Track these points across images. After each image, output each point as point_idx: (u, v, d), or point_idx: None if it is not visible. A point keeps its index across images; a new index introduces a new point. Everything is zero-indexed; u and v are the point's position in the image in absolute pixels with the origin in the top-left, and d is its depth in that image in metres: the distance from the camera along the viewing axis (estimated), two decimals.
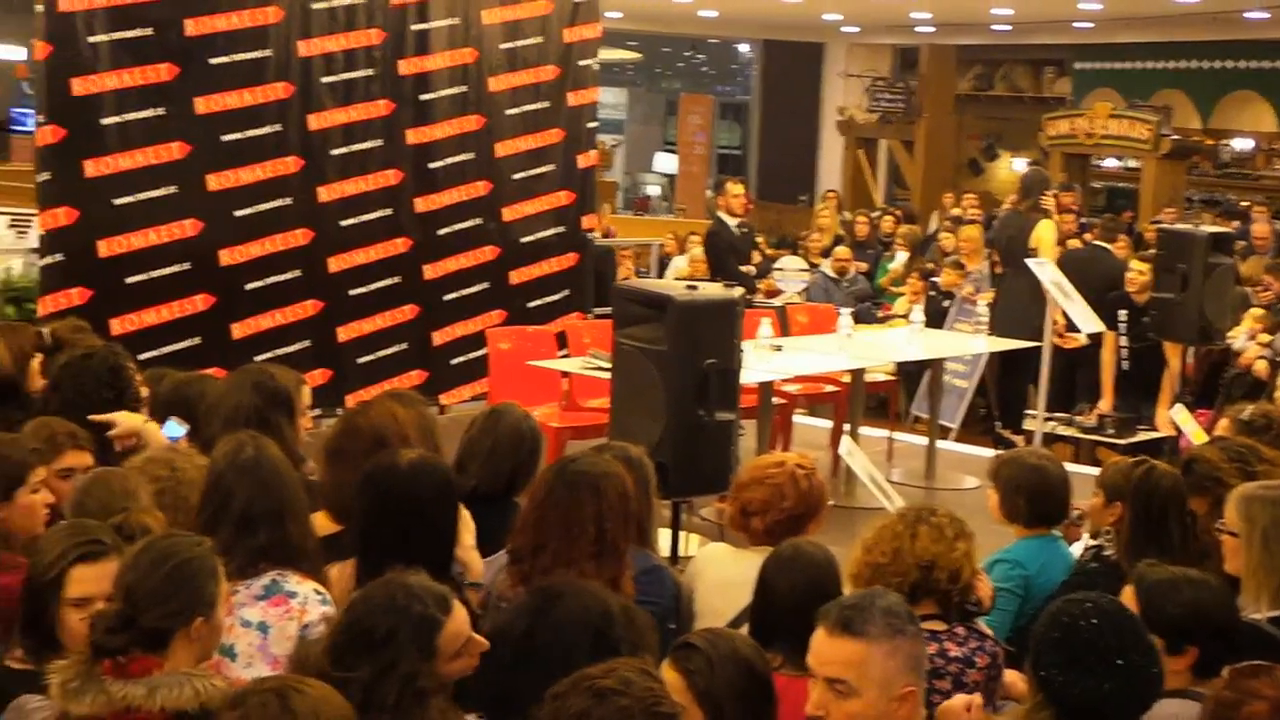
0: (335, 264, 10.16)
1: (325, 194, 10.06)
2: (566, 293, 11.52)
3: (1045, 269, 10.01)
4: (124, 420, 5.31)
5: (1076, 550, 5.59)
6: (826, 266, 14.49)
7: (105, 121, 9.00)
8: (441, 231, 10.75)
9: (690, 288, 6.66)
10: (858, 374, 9.83)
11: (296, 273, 9.95)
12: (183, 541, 3.60)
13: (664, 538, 6.41)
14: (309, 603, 4.23)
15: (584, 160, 11.69)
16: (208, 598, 3.53)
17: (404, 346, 10.60)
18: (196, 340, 9.44)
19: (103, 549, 3.83)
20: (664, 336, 6.38)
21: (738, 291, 6.91)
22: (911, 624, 3.39)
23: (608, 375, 7.15)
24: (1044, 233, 11.48)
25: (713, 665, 3.43)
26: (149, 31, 9.13)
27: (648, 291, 6.69)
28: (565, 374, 9.21)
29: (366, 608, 3.43)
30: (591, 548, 4.28)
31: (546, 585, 3.69)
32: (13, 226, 13.30)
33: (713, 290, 6.75)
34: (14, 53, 27.45)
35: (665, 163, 29.17)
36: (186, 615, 3.46)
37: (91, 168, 8.97)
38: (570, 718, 2.92)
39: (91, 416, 4.13)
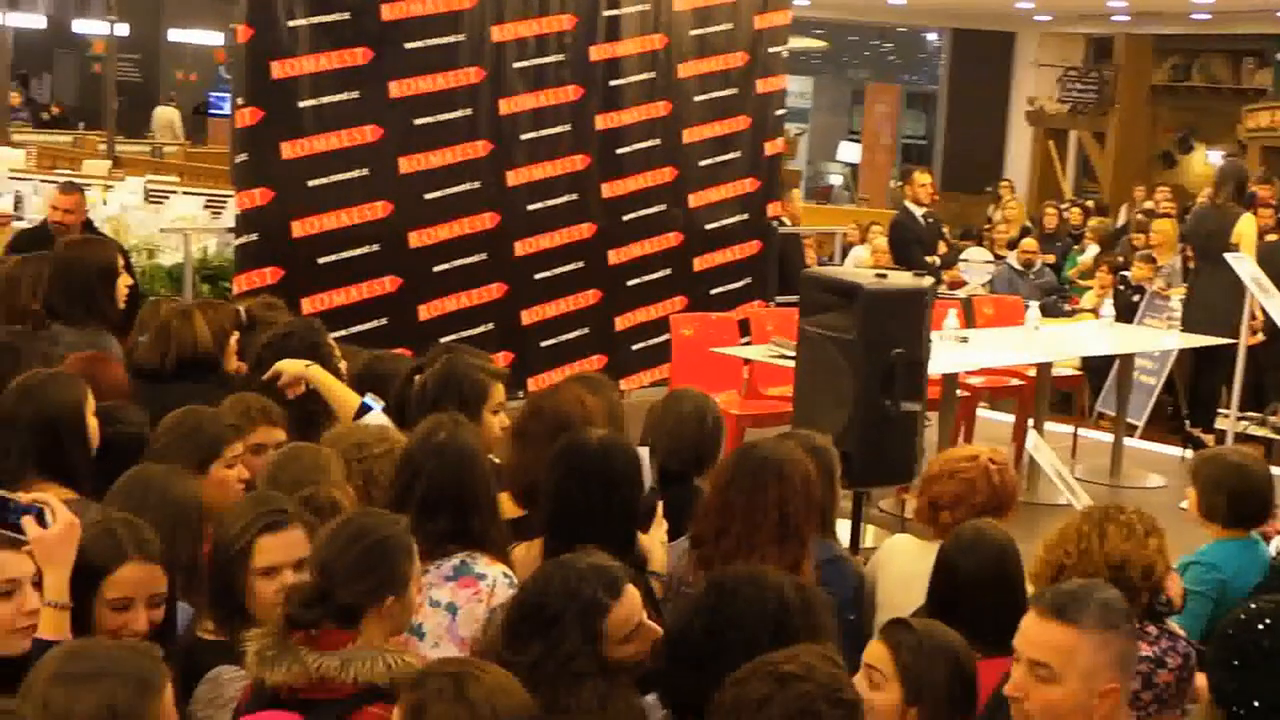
0: (521, 248, 10.26)
1: (513, 178, 10.15)
2: (749, 280, 11.49)
3: (1244, 264, 9.73)
4: (286, 367, 5.42)
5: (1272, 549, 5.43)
6: (1012, 258, 14.26)
7: (302, 104, 9.18)
8: (626, 217, 10.79)
9: (880, 276, 6.60)
10: (1044, 368, 9.65)
11: (483, 256, 10.06)
12: (379, 519, 3.64)
13: (842, 529, 6.35)
14: (497, 585, 4.26)
15: (770, 147, 11.64)
16: (400, 576, 3.57)
17: (585, 331, 10.66)
18: (383, 321, 9.59)
19: (286, 518, 3.90)
20: (852, 325, 6.33)
21: (928, 281, 6.82)
22: (1126, 622, 3.31)
23: (791, 363, 7.11)
24: (1246, 227, 11.15)
25: (921, 644, 3.40)
26: (346, 16, 9.29)
27: (836, 279, 6.63)
28: (747, 361, 9.18)
29: (537, 588, 3.46)
30: (774, 532, 4.25)
31: (720, 580, 3.66)
32: (207, 207, 13.66)
33: (903, 279, 6.68)
34: (213, 38, 28.21)
35: (849, 152, 28.97)
36: (379, 593, 3.50)
37: (288, 149, 9.16)
38: (751, 703, 2.91)
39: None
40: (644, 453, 4.55)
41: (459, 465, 4.31)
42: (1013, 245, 14.80)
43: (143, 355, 5.79)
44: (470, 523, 4.26)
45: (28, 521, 3.46)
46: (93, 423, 4.61)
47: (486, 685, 2.88)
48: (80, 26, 30.45)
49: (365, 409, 5.27)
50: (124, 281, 6.30)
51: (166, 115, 24.91)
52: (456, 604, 4.22)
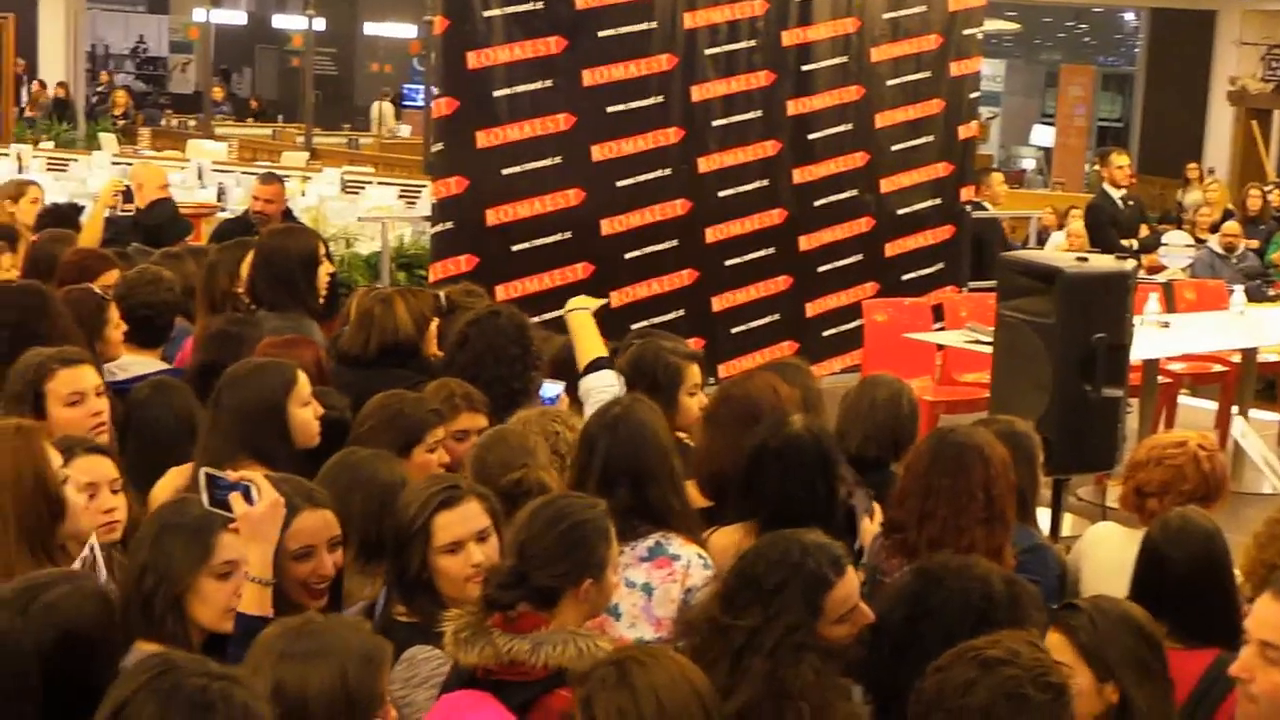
0: (712, 234, 10.25)
1: (705, 165, 10.15)
2: (941, 265, 11.35)
3: None
4: (581, 302, 5.57)
5: None
6: (1214, 242, 13.88)
7: (496, 94, 9.27)
8: (818, 203, 10.72)
9: (1080, 259, 6.47)
10: (1249, 353, 9.39)
11: (674, 242, 10.07)
12: (577, 503, 3.66)
13: (1041, 517, 6.24)
14: (692, 566, 4.27)
15: (964, 131, 11.49)
16: (598, 560, 3.59)
17: (776, 317, 10.62)
18: None
19: (460, 493, 3.93)
20: (1052, 309, 6.22)
21: (1130, 264, 6.67)
22: None
23: (988, 349, 7.01)
24: None
25: (1095, 623, 3.34)
26: (540, 5, 9.37)
27: (1036, 263, 6.53)
28: (941, 347, 9.08)
29: (760, 559, 3.45)
30: (981, 514, 4.20)
31: (926, 568, 3.63)
32: (402, 197, 13.92)
33: (1104, 262, 6.56)
34: (407, 31, 28.69)
35: (1042, 135, 28.46)
36: (576, 576, 3.52)
37: (482, 139, 9.27)
38: (956, 688, 2.87)
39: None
40: None
41: (634, 439, 4.32)
42: (1214, 229, 14.41)
43: (346, 342, 5.90)
44: (648, 495, 4.26)
45: (235, 498, 3.55)
46: (301, 413, 4.68)
47: (651, 672, 2.89)
48: (279, 22, 31.24)
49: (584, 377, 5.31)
50: (325, 269, 6.42)
51: (380, 109, 25.43)
52: (652, 584, 4.23)
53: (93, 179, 14.34)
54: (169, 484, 4.50)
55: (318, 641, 3.04)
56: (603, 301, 5.62)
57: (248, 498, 3.56)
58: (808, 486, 4.27)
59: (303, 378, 4.70)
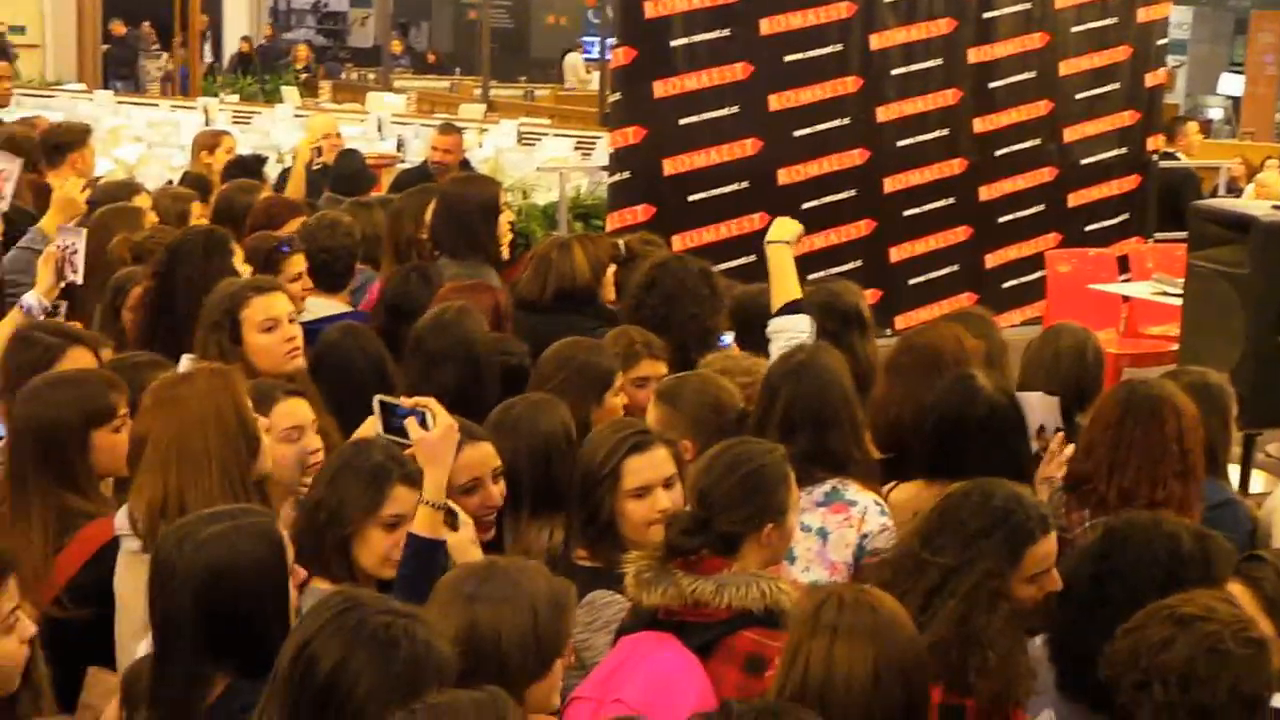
0: (890, 184, 10.13)
1: (883, 114, 10.02)
2: (1126, 216, 11.09)
3: None
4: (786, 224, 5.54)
5: None
6: None
7: (674, 43, 9.24)
8: (999, 152, 10.53)
9: (1276, 208, 6.28)
10: None
11: (851, 192, 9.97)
12: (756, 448, 3.66)
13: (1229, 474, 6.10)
14: (868, 512, 4.25)
15: (1152, 79, 11.20)
16: (778, 504, 3.58)
17: (955, 268, 10.47)
18: (751, 258, 9.59)
19: (649, 439, 3.95)
20: (1246, 259, 6.06)
21: None
22: None
23: (1175, 301, 6.85)
24: None
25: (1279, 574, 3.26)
26: None
27: (1229, 212, 6.36)
28: (1126, 298, 8.89)
29: (965, 502, 3.42)
30: (1177, 465, 4.12)
31: (1113, 526, 3.56)
32: (577, 148, 13.98)
33: None
34: None
35: (1230, 84, 27.65)
36: (758, 521, 3.52)
37: (660, 88, 9.24)
38: (1152, 647, 2.81)
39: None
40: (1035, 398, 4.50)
41: (817, 385, 4.31)
42: None
43: (523, 287, 5.95)
44: (828, 442, 4.25)
45: (410, 424, 3.62)
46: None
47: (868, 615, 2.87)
48: None
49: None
50: (506, 217, 6.47)
51: (573, 60, 25.57)
52: (827, 529, 4.22)
53: (275, 132, 14.63)
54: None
55: (508, 584, 3.08)
56: (801, 228, 5.58)
57: (423, 423, 3.63)
58: (1011, 455, 4.23)
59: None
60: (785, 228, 5.56)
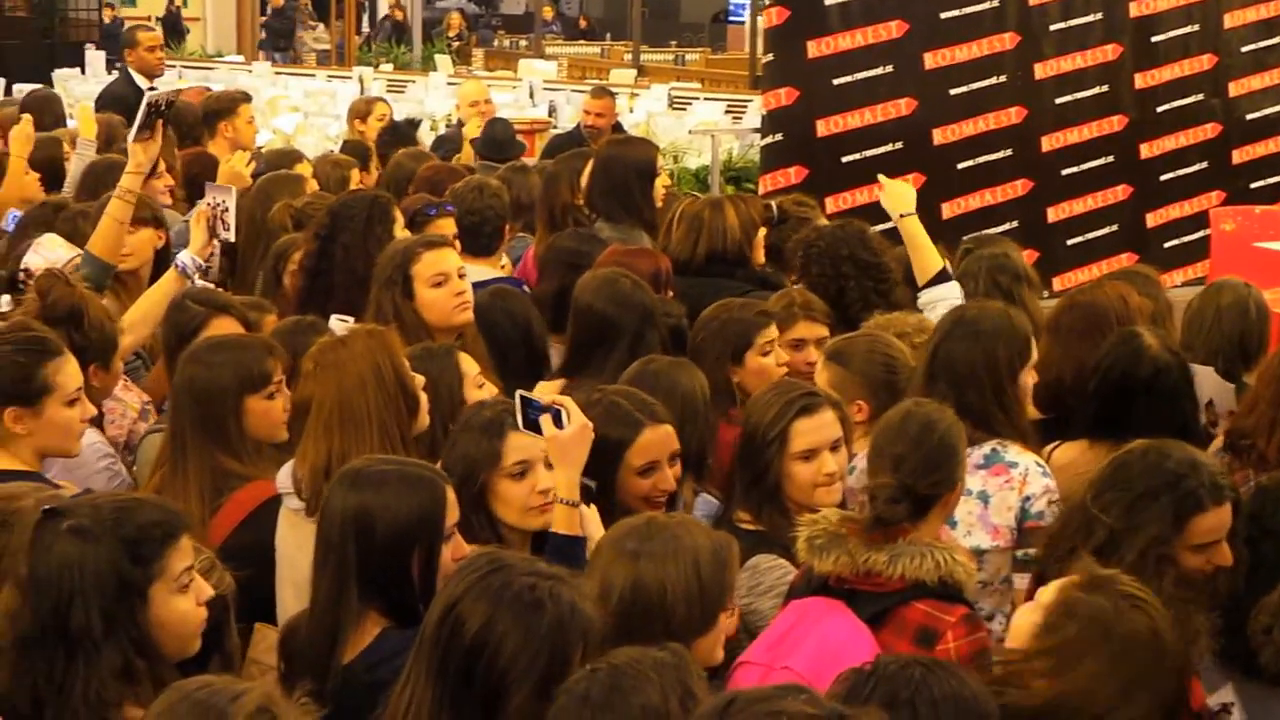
0: (1048, 143, 9.93)
1: (1040, 71, 9.83)
2: None
3: None
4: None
5: None
6: None
7: (828, 2, 9.15)
8: (1160, 108, 10.29)
9: None
10: None
11: (1008, 151, 9.80)
12: (934, 411, 3.63)
13: None
14: (1030, 474, 4.19)
15: None
16: (961, 469, 3.57)
17: (1114, 228, 10.25)
18: None
19: (818, 401, 3.94)
20: None
21: None
22: None
23: None
24: None
25: None
26: None
27: None
28: None
29: (1139, 461, 3.38)
30: None
31: (1265, 487, 3.49)
32: (728, 112, 13.97)
33: None
34: None
35: None
36: (949, 485, 3.50)
37: (813, 48, 9.15)
38: None
39: None
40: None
41: (985, 339, 4.25)
42: None
43: (675, 247, 5.96)
44: (986, 403, 4.20)
45: (545, 421, 3.62)
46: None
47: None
48: None
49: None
50: (661, 181, 6.49)
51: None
52: (988, 492, 4.18)
53: (429, 100, 14.77)
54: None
55: (669, 539, 3.11)
56: (913, 190, 5.56)
57: (558, 421, 3.62)
58: (1177, 416, 4.16)
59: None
60: (902, 198, 5.52)
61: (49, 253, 5.22)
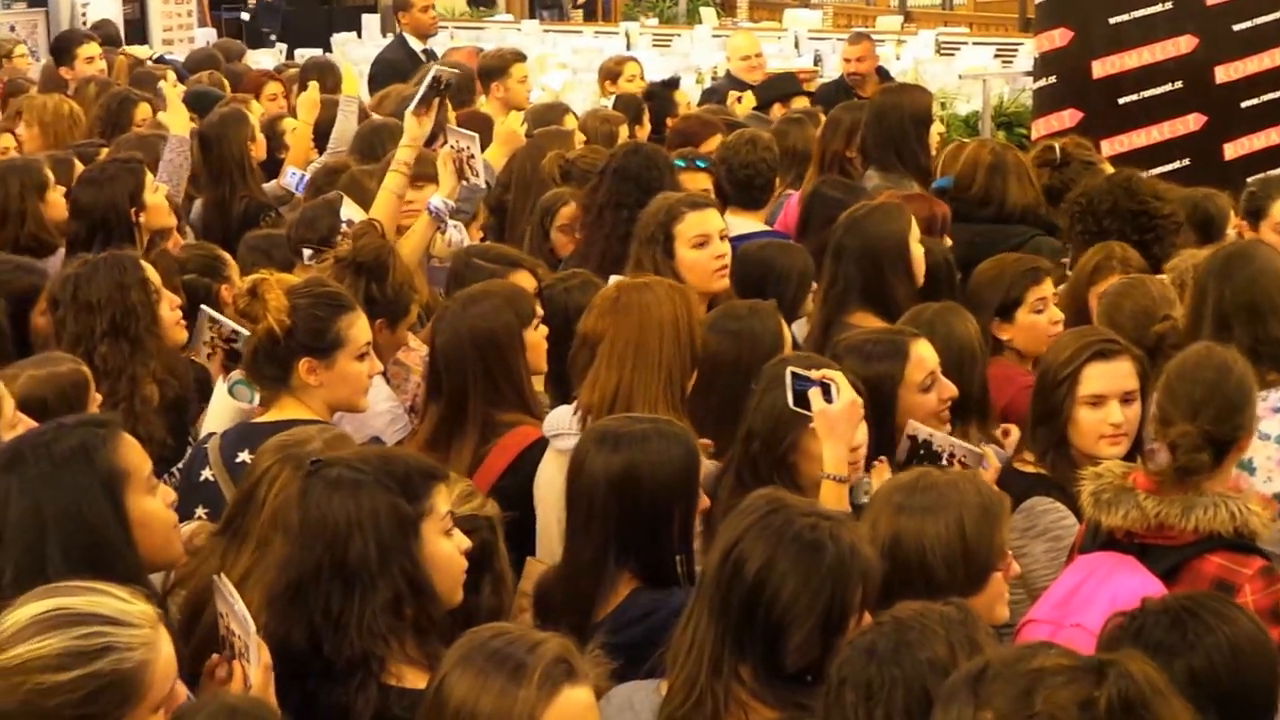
0: None
1: None
2: None
3: None
4: None
5: None
6: None
7: None
8: None
9: None
10: None
11: None
12: (1222, 352, 3.54)
13: None
14: None
15: None
16: (1254, 411, 3.48)
17: None
18: (1186, 161, 9.20)
19: (1116, 348, 3.86)
20: None
21: None
22: None
23: None
24: None
25: None
26: None
27: None
28: None
29: None
30: None
31: None
32: (997, 56, 13.70)
33: None
34: None
35: None
36: (1247, 429, 3.42)
37: None
38: None
39: None
40: None
41: (1249, 275, 4.13)
42: None
43: (954, 191, 5.88)
44: (1257, 333, 4.06)
45: (814, 395, 3.61)
46: (917, 252, 4.76)
47: None
48: None
49: None
50: (936, 129, 6.42)
51: None
52: None
53: (694, 53, 14.79)
54: None
55: (934, 494, 3.08)
56: None
57: (827, 395, 3.61)
58: None
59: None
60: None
61: (349, 213, 5.38)
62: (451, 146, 5.71)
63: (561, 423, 3.98)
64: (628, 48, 14.52)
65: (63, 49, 10.48)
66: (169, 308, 4.66)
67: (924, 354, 3.94)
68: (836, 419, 3.59)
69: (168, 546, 3.16)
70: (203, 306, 4.93)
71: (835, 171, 6.57)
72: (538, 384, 4.50)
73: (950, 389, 3.93)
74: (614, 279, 4.66)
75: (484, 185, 6.08)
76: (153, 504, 3.08)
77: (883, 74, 10.52)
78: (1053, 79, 9.06)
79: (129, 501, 2.98)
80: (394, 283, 4.63)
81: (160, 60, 10.93)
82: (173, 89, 7.24)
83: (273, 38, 17.08)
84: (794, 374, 3.68)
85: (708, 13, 18.59)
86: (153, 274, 4.63)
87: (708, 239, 4.90)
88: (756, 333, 4.17)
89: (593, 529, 3.25)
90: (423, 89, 5.57)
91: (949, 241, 5.31)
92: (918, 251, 4.79)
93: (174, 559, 3.26)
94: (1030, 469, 3.85)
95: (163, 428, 4.42)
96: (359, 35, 16.85)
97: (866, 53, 10.33)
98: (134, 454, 3.07)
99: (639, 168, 5.48)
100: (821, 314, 4.86)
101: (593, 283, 4.79)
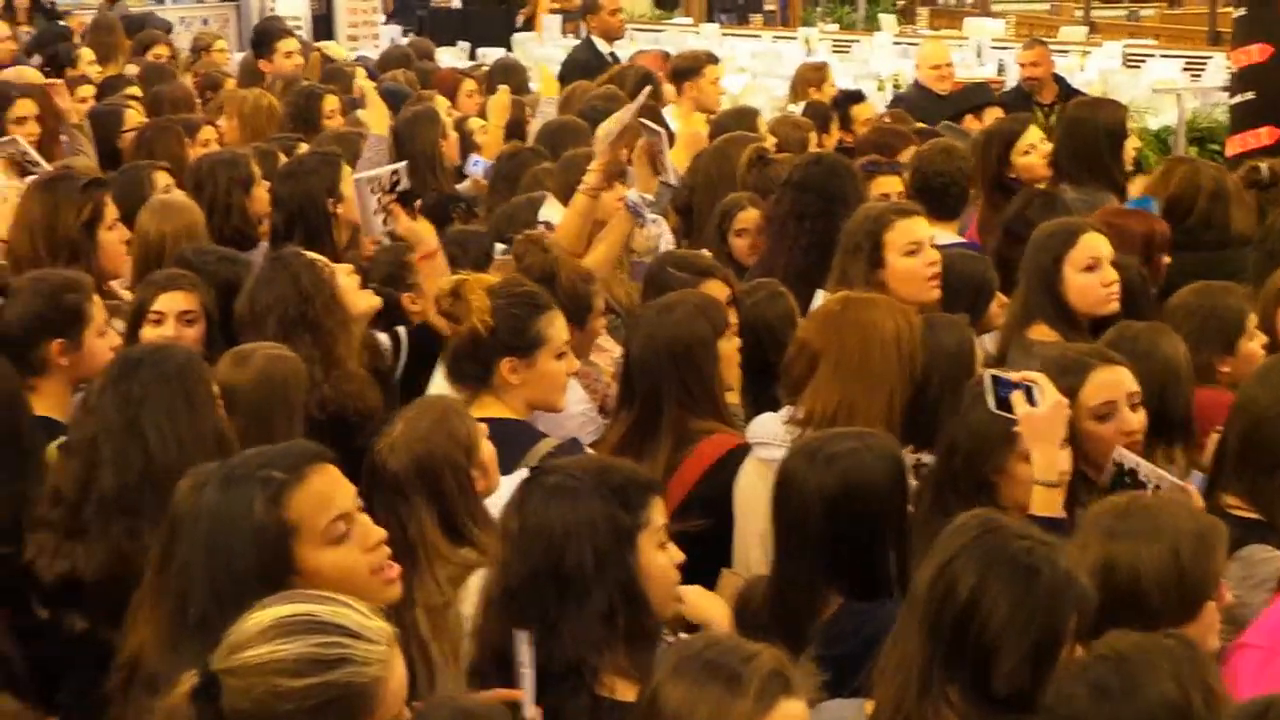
0: None
1: None
2: None
3: None
4: None
5: None
6: None
7: None
8: None
9: None
10: None
11: None
12: None
13: None
14: None
15: None
16: None
17: None
18: None
19: None
20: None
21: None
22: None
23: None
24: None
25: None
26: None
27: None
28: None
29: None
30: None
31: None
32: (1186, 70, 13.40)
33: None
34: None
35: None
36: None
37: None
38: None
39: None
40: None
41: None
42: None
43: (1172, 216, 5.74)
44: None
45: (1017, 398, 3.54)
46: (1080, 277, 4.68)
47: None
48: None
49: None
50: (1132, 143, 6.31)
51: None
52: None
53: (874, 60, 14.68)
54: None
55: (1149, 520, 3.02)
56: None
57: (1030, 398, 3.54)
58: None
59: (1088, 240, 4.64)
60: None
61: (549, 214, 5.42)
62: (647, 138, 5.72)
63: (768, 431, 3.97)
64: (807, 54, 14.45)
65: (262, 42, 10.69)
66: None
67: (1106, 380, 3.79)
68: (1042, 421, 3.51)
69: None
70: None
71: (994, 187, 6.44)
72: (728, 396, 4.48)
73: (1131, 423, 3.77)
74: (820, 293, 4.63)
75: (673, 183, 6.08)
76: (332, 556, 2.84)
77: (1059, 81, 10.38)
78: (1250, 95, 8.84)
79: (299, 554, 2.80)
80: (564, 285, 4.63)
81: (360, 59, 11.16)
82: (372, 87, 7.37)
83: (455, 38, 17.29)
84: (995, 378, 3.63)
85: (888, 19, 18.43)
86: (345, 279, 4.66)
87: (920, 246, 4.81)
88: (945, 346, 4.14)
89: (807, 548, 3.23)
90: (625, 119, 5.49)
91: (1167, 260, 5.18)
92: (1072, 276, 4.68)
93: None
94: (1242, 513, 3.72)
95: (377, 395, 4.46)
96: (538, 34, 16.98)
97: (1041, 57, 10.21)
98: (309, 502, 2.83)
99: (821, 178, 5.44)
100: (1007, 332, 4.81)
101: (780, 295, 4.76)
